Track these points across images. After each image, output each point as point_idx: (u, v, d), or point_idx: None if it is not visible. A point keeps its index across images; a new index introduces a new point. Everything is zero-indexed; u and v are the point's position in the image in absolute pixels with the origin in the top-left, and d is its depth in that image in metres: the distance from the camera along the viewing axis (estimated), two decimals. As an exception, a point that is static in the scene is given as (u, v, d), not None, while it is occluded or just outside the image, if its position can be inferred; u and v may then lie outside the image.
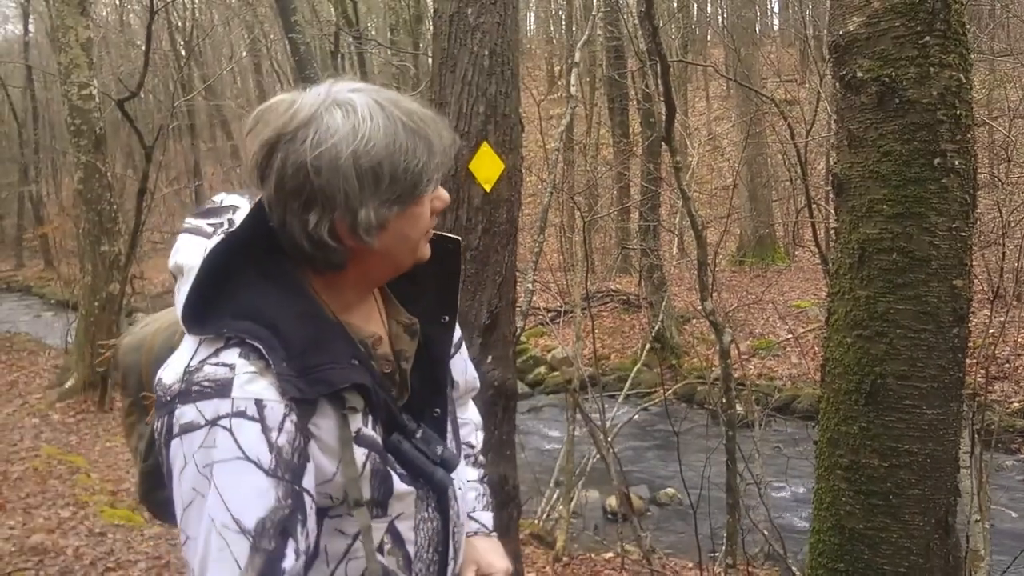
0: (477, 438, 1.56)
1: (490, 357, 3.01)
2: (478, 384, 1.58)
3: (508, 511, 3.08)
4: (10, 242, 32.28)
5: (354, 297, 1.23)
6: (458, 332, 1.44)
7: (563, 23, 27.11)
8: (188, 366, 1.10)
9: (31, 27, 28.69)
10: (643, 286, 13.48)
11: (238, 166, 24.93)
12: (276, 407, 1.08)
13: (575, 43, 11.56)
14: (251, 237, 1.15)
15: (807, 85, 17.68)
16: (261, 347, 1.09)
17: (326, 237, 1.11)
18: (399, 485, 1.21)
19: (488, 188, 2.96)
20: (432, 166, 1.14)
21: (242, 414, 1.07)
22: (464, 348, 1.50)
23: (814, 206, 8.45)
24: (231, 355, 1.10)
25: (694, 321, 13.24)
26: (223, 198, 1.29)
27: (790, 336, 12.06)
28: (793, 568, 4.96)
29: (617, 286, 15.90)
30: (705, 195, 16.57)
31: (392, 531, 1.22)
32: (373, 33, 24.77)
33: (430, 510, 1.26)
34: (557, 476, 7.14)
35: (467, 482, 1.43)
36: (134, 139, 12.69)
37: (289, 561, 1.06)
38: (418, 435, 1.25)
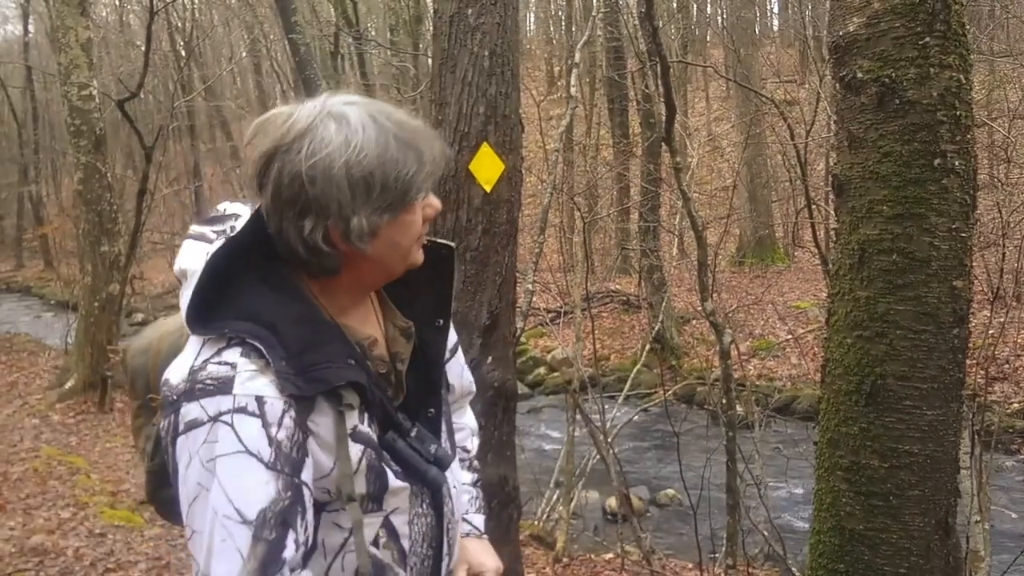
0: (472, 443, 1.60)
1: (490, 358, 3.01)
2: (474, 388, 1.61)
3: (508, 512, 3.08)
4: (10, 242, 32.30)
5: (349, 300, 1.28)
6: (454, 337, 1.49)
7: (563, 24, 27.12)
8: (192, 366, 1.16)
9: (31, 27, 28.73)
10: (643, 287, 13.48)
11: (238, 167, 24.94)
12: (276, 403, 1.13)
13: (575, 44, 11.57)
14: (251, 243, 1.20)
15: (807, 86, 17.68)
16: (261, 346, 1.14)
17: (320, 243, 1.16)
18: (394, 481, 1.25)
19: (488, 189, 2.96)
20: (422, 175, 1.19)
21: (243, 410, 1.12)
22: (460, 352, 1.54)
23: (814, 207, 8.44)
24: (233, 354, 1.15)
25: (694, 322, 13.24)
26: (226, 206, 1.34)
27: (790, 337, 12.06)
28: (793, 569, 4.96)
29: (617, 287, 15.90)
30: (705, 196, 16.57)
31: (387, 525, 1.26)
32: (373, 34, 24.79)
33: (425, 506, 1.31)
34: (557, 477, 7.14)
35: (462, 484, 1.48)
36: (134, 140, 12.70)
37: (289, 551, 1.10)
38: (413, 434, 1.30)
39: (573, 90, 7.09)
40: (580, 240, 10.26)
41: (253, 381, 1.13)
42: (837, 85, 2.62)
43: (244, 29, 25.56)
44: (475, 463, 1.60)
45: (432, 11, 3.62)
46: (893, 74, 2.42)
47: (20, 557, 4.77)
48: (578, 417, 6.51)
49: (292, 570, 1.11)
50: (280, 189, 1.15)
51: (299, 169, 1.13)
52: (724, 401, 5.12)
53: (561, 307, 11.93)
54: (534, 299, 6.37)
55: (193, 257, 1.24)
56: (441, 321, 1.40)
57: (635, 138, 16.52)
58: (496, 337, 3.04)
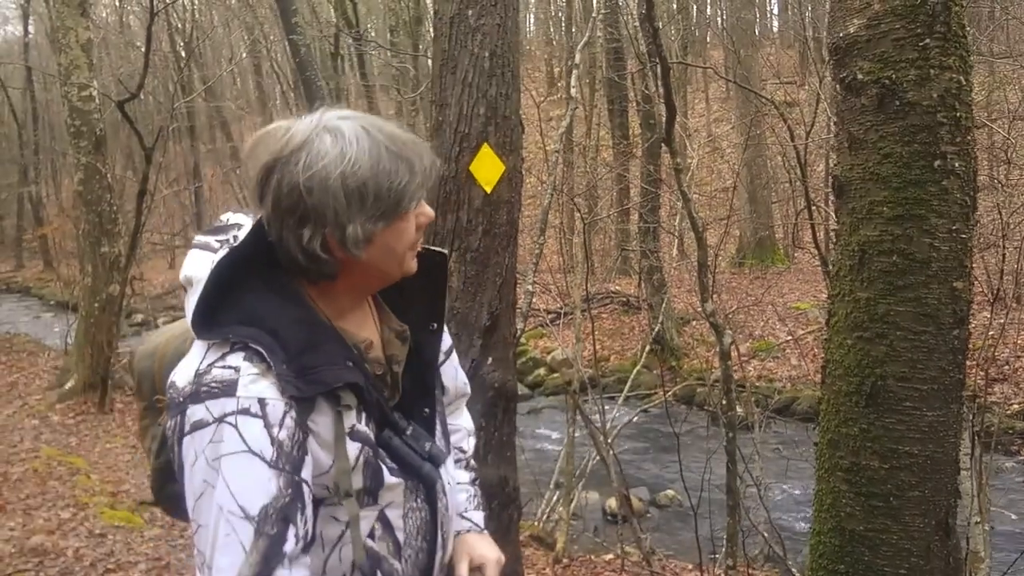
0: (469, 443, 1.66)
1: (490, 359, 3.01)
2: (468, 390, 1.68)
3: (508, 512, 3.08)
4: (10, 243, 32.33)
5: (347, 304, 1.34)
6: (448, 340, 1.57)
7: (563, 25, 27.14)
8: (198, 369, 1.22)
9: (31, 28, 28.75)
10: (643, 288, 13.48)
11: (237, 167, 24.93)
12: (277, 405, 1.20)
13: (575, 45, 11.58)
14: (253, 252, 1.27)
15: (807, 87, 17.68)
16: (263, 351, 1.21)
17: (318, 250, 1.23)
18: (389, 477, 1.32)
19: (489, 189, 2.96)
20: (414, 185, 1.26)
21: (246, 411, 1.18)
22: (455, 355, 1.61)
23: (814, 208, 8.43)
24: (236, 358, 1.22)
25: (694, 323, 13.24)
26: (229, 217, 1.42)
27: (790, 338, 12.06)
28: (793, 570, 4.96)
29: (617, 288, 15.90)
30: (705, 197, 16.58)
31: (382, 519, 1.33)
32: (373, 35, 24.81)
33: (419, 501, 1.37)
34: (557, 478, 7.14)
35: (459, 483, 1.56)
36: (134, 140, 12.69)
37: (290, 545, 1.17)
38: (408, 432, 1.37)
39: (573, 91, 7.09)
40: (580, 241, 10.26)
41: (255, 384, 1.20)
42: (837, 86, 2.62)
43: (244, 30, 25.57)
44: (472, 462, 1.65)
45: (432, 12, 3.63)
46: (893, 75, 2.42)
47: (20, 557, 4.77)
48: (578, 418, 6.50)
49: (292, 562, 1.17)
50: (280, 199, 1.22)
51: (297, 180, 1.20)
52: (724, 402, 5.11)
53: (561, 308, 11.94)
54: (534, 300, 6.37)
55: (198, 265, 1.31)
56: (435, 325, 1.46)
57: (635, 139, 16.52)
58: (496, 338, 3.04)
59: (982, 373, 5.47)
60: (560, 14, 29.35)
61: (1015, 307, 9.55)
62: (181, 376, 1.24)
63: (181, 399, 1.22)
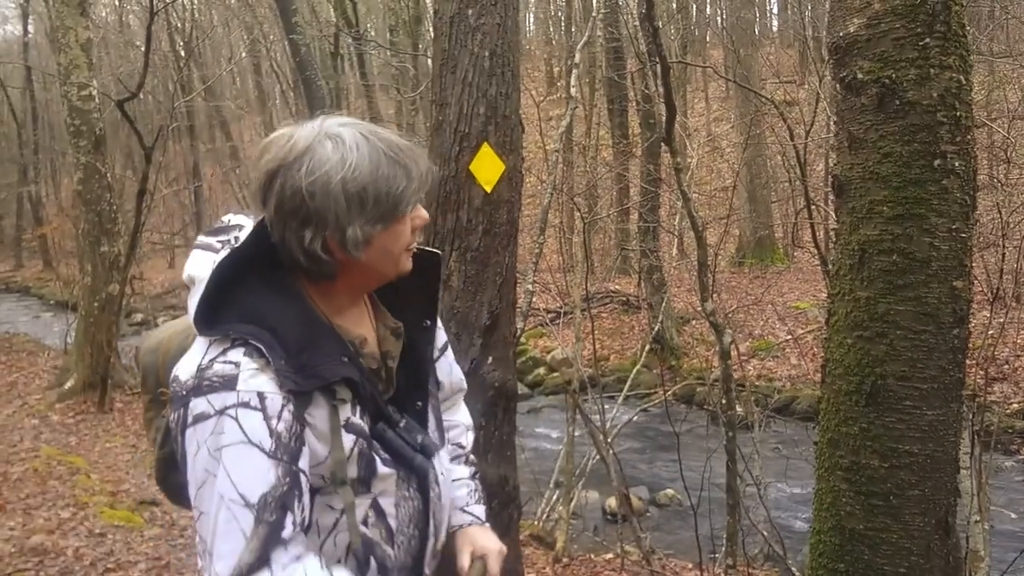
0: (468, 439, 1.72)
1: (490, 358, 3.01)
2: (464, 385, 1.72)
3: (508, 512, 3.08)
4: (9, 243, 32.33)
5: (345, 303, 1.41)
6: (443, 337, 1.64)
7: (562, 24, 27.12)
8: (200, 364, 1.28)
9: (30, 28, 28.75)
10: (643, 287, 13.48)
11: (237, 167, 24.98)
12: (275, 398, 1.26)
13: (575, 44, 11.57)
14: (255, 252, 1.34)
15: (806, 86, 17.69)
16: (262, 347, 1.27)
17: (319, 251, 1.30)
18: (382, 467, 1.38)
19: (489, 189, 2.96)
20: (411, 190, 1.33)
21: (246, 405, 1.24)
22: (450, 351, 1.67)
23: (813, 207, 8.44)
24: (236, 354, 1.28)
25: (693, 322, 13.24)
26: (230, 218, 1.49)
27: (789, 337, 12.07)
28: (793, 569, 4.96)
29: (617, 287, 15.90)
30: (704, 196, 16.59)
31: (375, 507, 1.39)
32: (373, 34, 24.80)
33: (411, 490, 1.43)
34: (557, 477, 7.14)
35: (459, 478, 1.64)
36: (134, 140, 12.69)
37: (288, 531, 1.23)
38: (401, 424, 1.43)
39: (573, 91, 7.09)
40: (580, 240, 10.26)
41: (255, 378, 1.25)
42: (837, 86, 2.63)
43: (244, 29, 25.57)
44: (472, 457, 1.71)
45: (432, 12, 3.63)
46: (893, 75, 2.42)
47: (20, 557, 4.77)
48: (578, 417, 6.51)
49: (289, 547, 1.23)
50: (283, 203, 1.28)
51: (300, 185, 1.26)
52: (724, 401, 5.12)
53: (561, 307, 11.94)
54: (534, 299, 6.37)
55: (200, 265, 1.38)
56: (428, 322, 1.54)
57: (635, 138, 16.52)
58: (496, 337, 3.04)
59: (982, 372, 5.48)
60: (560, 14, 29.35)
61: (1015, 306, 9.55)
62: (184, 371, 1.30)
63: (184, 392, 1.27)
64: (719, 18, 26.60)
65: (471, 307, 2.98)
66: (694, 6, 24.91)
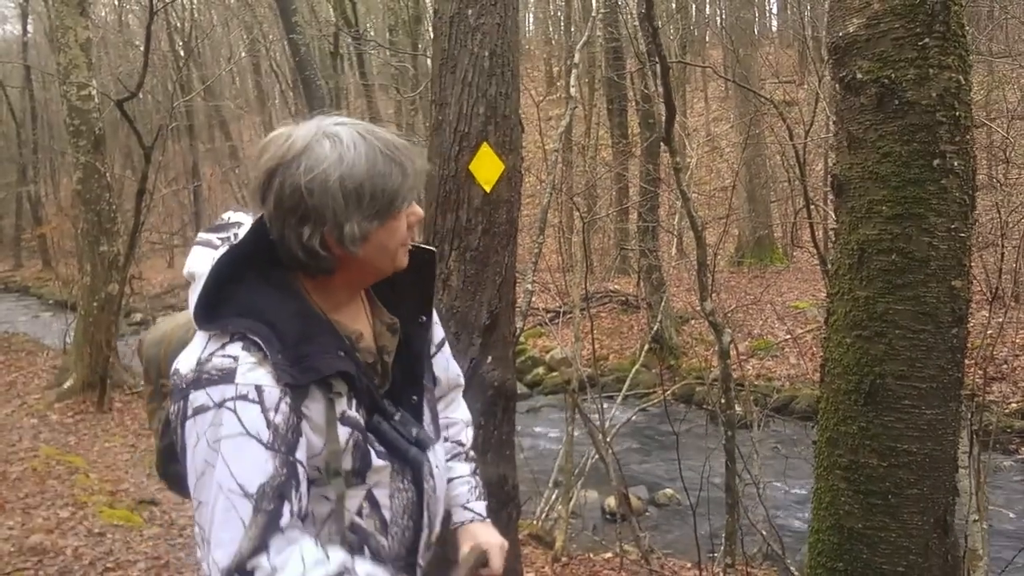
0: (467, 436, 1.73)
1: (490, 357, 3.02)
2: (461, 381, 1.74)
3: (507, 511, 3.08)
4: (8, 242, 32.30)
5: (342, 298, 1.44)
6: (440, 333, 1.66)
7: (562, 24, 27.12)
8: (200, 357, 1.31)
9: (30, 27, 28.73)
10: (642, 287, 13.48)
11: (236, 167, 24.97)
12: (273, 391, 1.29)
13: (574, 44, 11.57)
14: (253, 249, 1.36)
15: (806, 86, 17.70)
16: (260, 341, 1.30)
17: (317, 247, 1.32)
18: (376, 460, 1.40)
19: (488, 189, 2.97)
20: (406, 187, 1.36)
21: (244, 397, 1.27)
22: (447, 347, 1.69)
23: (812, 207, 8.44)
24: (235, 348, 1.31)
25: (693, 322, 13.24)
26: (230, 215, 1.53)
27: (788, 337, 12.07)
28: (792, 568, 4.97)
29: (616, 287, 15.90)
30: (704, 196, 16.59)
31: (370, 498, 1.41)
32: (372, 34, 24.79)
33: (405, 482, 1.46)
34: (556, 476, 7.13)
35: (460, 476, 1.66)
36: (133, 140, 12.68)
37: (285, 519, 1.26)
38: (396, 418, 1.46)
39: (572, 90, 7.09)
40: (579, 240, 10.26)
41: (253, 372, 1.29)
42: (836, 86, 2.63)
43: (243, 29, 25.55)
44: (471, 454, 1.72)
45: (432, 11, 3.63)
46: (892, 75, 2.43)
47: (19, 556, 4.77)
48: (577, 417, 6.51)
49: (286, 534, 1.26)
50: (282, 200, 1.31)
51: (299, 182, 1.29)
52: (723, 401, 5.12)
53: (560, 307, 11.93)
54: (533, 299, 6.37)
55: (201, 261, 1.41)
56: (424, 318, 1.56)
57: (634, 138, 16.52)
58: (496, 337, 3.04)
59: (980, 372, 5.49)
60: (559, 13, 29.35)
61: (1014, 306, 9.56)
62: (184, 364, 1.33)
63: (184, 385, 1.31)
64: (718, 18, 26.60)
65: (470, 306, 2.98)
66: (693, 6, 24.91)
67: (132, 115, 9.89)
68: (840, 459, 2.61)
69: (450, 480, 1.65)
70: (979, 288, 7.72)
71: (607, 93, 17.55)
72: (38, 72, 26.74)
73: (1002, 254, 6.59)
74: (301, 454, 1.31)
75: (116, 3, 29.10)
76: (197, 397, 1.28)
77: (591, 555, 6.32)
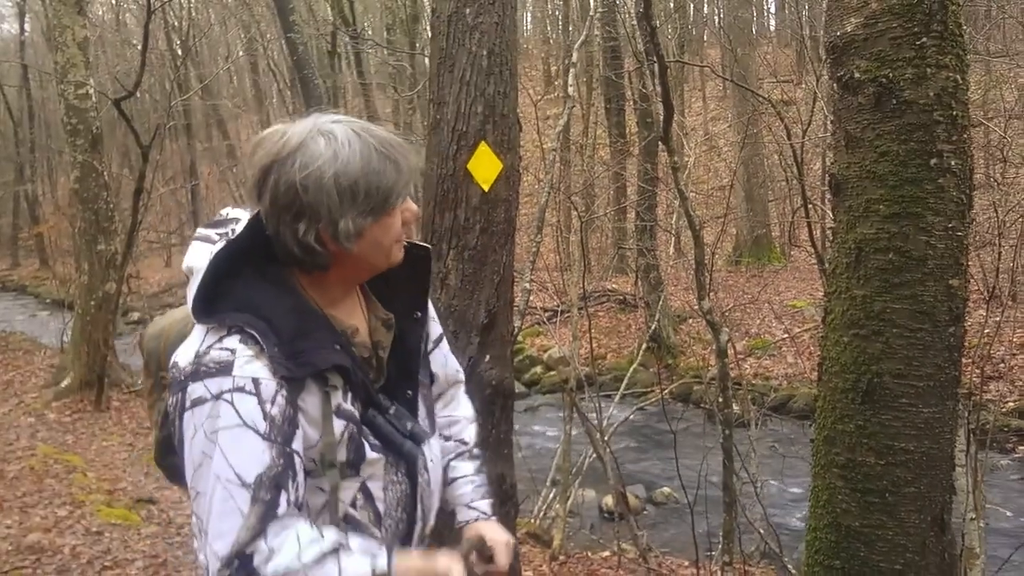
0: (470, 433, 1.74)
1: (488, 356, 3.02)
2: (461, 377, 1.75)
3: (505, 510, 3.09)
4: (5, 241, 32.26)
5: (338, 294, 1.46)
6: (438, 330, 1.68)
7: (560, 23, 27.12)
8: (198, 350, 1.34)
9: (27, 26, 28.68)
10: (639, 286, 13.50)
11: (234, 166, 24.94)
12: (269, 384, 1.31)
13: (572, 43, 11.57)
14: (250, 244, 1.38)
15: (803, 85, 17.69)
16: (257, 335, 1.32)
17: (313, 243, 1.34)
18: (370, 452, 1.42)
19: (486, 188, 2.97)
20: (400, 184, 1.38)
21: (241, 389, 1.29)
22: (444, 343, 1.71)
23: (810, 206, 8.45)
24: (232, 341, 1.33)
25: (690, 321, 13.25)
26: (228, 212, 1.55)
27: (786, 336, 12.08)
28: (789, 566, 4.98)
29: (614, 286, 15.91)
30: (702, 195, 16.60)
31: (364, 490, 1.43)
32: (370, 33, 24.77)
33: (399, 475, 1.47)
34: (554, 475, 7.14)
35: (464, 476, 1.67)
36: (130, 138, 12.67)
37: (282, 509, 1.28)
38: (391, 411, 1.48)
39: (570, 90, 7.09)
40: (577, 239, 10.25)
41: (250, 365, 1.31)
42: (834, 85, 2.63)
43: (241, 28, 25.53)
44: (475, 451, 1.74)
45: (430, 10, 3.63)
46: (890, 74, 2.43)
47: (17, 555, 4.77)
48: (575, 416, 6.51)
49: (283, 522, 1.28)
50: (277, 197, 1.33)
51: (294, 179, 1.31)
52: (720, 400, 5.13)
53: (558, 306, 11.94)
54: (531, 298, 6.37)
55: (199, 256, 1.43)
56: (419, 314, 1.58)
57: (632, 137, 16.54)
58: (494, 336, 3.05)
59: (978, 371, 5.50)
60: (557, 13, 29.34)
61: (1011, 305, 9.58)
62: (183, 357, 1.35)
63: (183, 378, 1.33)
64: (716, 17, 26.61)
65: (469, 305, 2.98)
66: (692, 5, 24.94)
67: (130, 114, 9.88)
68: (837, 457, 2.61)
69: (454, 479, 1.66)
70: (976, 287, 7.73)
71: (605, 92, 17.54)
72: (35, 71, 26.68)
73: (999, 253, 6.60)
74: (298, 445, 1.33)
75: (113, 2, 29.10)
76: (195, 389, 1.30)
77: (589, 553, 6.32)
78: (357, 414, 1.42)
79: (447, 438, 1.69)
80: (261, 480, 1.27)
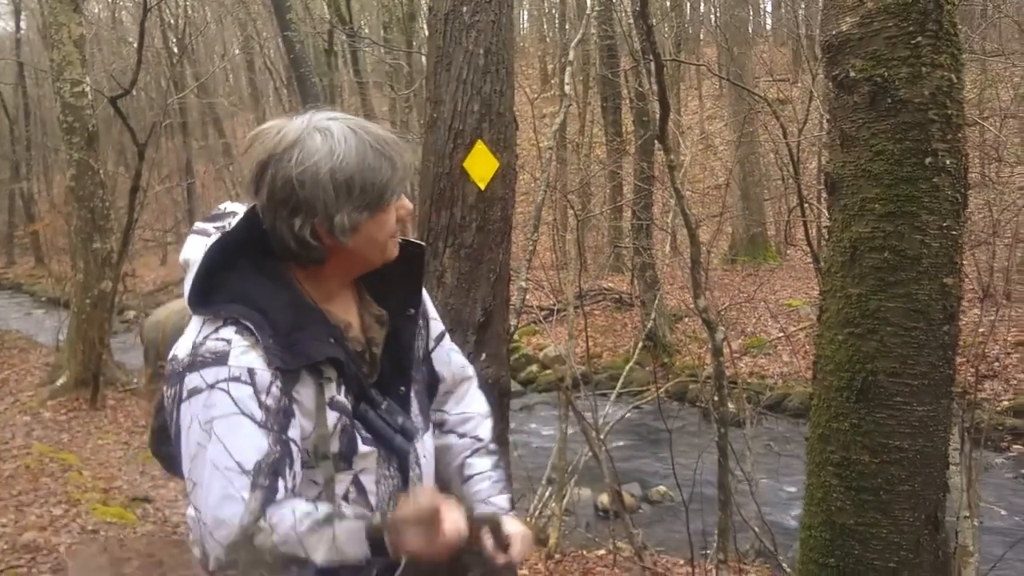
0: (484, 429, 1.73)
1: (484, 354, 3.02)
2: (469, 372, 1.74)
3: (502, 507, 3.09)
4: (1, 239, 32.13)
5: (333, 288, 1.48)
6: (439, 327, 1.70)
7: (556, 22, 27.10)
8: (195, 341, 1.36)
9: (23, 23, 28.54)
10: (635, 284, 13.50)
11: (230, 164, 24.89)
12: (264, 374, 1.33)
13: (569, 42, 11.58)
14: (246, 238, 1.41)
15: (799, 84, 17.72)
16: (252, 326, 1.35)
17: (309, 238, 1.36)
18: (362, 446, 1.44)
19: (482, 186, 2.97)
20: (395, 180, 1.40)
21: (237, 379, 1.32)
22: (447, 340, 1.70)
23: (806, 205, 8.47)
24: (228, 332, 1.36)
25: (686, 319, 13.26)
26: (226, 205, 1.58)
27: (781, 335, 12.10)
28: (784, 564, 4.99)
29: (610, 284, 15.91)
30: (698, 194, 16.60)
31: (356, 483, 1.45)
32: (367, 31, 24.74)
33: (391, 469, 1.50)
34: (549, 474, 7.14)
35: (480, 472, 1.66)
36: (126, 136, 12.66)
37: (280, 495, 1.31)
38: (383, 406, 1.50)
39: (567, 88, 7.10)
40: (573, 238, 10.29)
41: (246, 355, 1.33)
42: (830, 84, 2.64)
43: (237, 26, 25.46)
44: (491, 447, 1.72)
45: (427, 9, 3.63)
46: (885, 73, 2.44)
47: (12, 554, 4.76)
48: (570, 414, 6.52)
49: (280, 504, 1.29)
50: (274, 192, 1.35)
51: (290, 175, 1.33)
52: (716, 398, 5.14)
53: (554, 305, 11.93)
54: (527, 296, 6.38)
55: (195, 249, 1.47)
56: (412, 311, 1.59)
57: (628, 136, 16.53)
58: (490, 334, 3.05)
59: (972, 369, 5.51)
60: (554, 11, 29.30)
61: (1005, 304, 9.60)
62: (181, 349, 1.38)
63: (180, 369, 1.36)
64: (713, 16, 26.60)
65: (465, 304, 2.99)
66: (688, 4, 24.93)
67: (125, 112, 9.85)
68: (832, 456, 2.62)
69: (470, 476, 1.66)
70: (971, 286, 7.76)
71: (601, 91, 17.54)
72: (31, 69, 26.59)
73: (994, 252, 6.63)
74: (294, 433, 1.35)
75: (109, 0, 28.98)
76: (191, 379, 1.33)
77: (584, 552, 6.33)
78: (350, 407, 1.44)
79: (461, 435, 1.69)
80: (260, 466, 1.29)
